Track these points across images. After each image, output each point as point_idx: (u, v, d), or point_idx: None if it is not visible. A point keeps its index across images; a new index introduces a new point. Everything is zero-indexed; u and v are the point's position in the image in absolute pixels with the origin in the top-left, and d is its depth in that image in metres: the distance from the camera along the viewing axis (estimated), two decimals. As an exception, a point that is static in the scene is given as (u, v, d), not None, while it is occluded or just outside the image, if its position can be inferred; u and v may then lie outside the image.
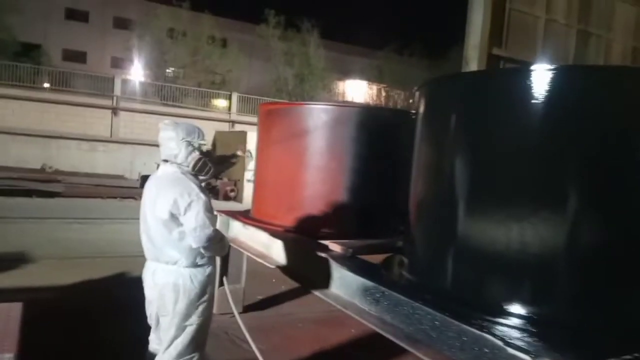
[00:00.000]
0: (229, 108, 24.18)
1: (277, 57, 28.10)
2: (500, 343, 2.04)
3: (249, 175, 17.86)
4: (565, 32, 9.79)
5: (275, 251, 4.01)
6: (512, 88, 2.48)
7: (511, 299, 2.40)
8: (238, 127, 22.64)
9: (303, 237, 3.96)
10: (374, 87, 34.28)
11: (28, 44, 25.66)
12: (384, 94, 33.94)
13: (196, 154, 2.81)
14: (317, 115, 4.07)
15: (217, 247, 2.85)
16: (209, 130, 22.04)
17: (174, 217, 2.67)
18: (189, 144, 2.79)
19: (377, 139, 4.12)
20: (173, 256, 2.73)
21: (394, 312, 2.64)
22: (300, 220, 4.15)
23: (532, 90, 2.35)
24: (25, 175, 16.55)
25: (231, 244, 4.03)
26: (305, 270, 3.56)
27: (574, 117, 2.33)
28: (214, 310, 5.09)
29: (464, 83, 2.74)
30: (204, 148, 2.89)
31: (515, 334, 2.16)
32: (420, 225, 2.92)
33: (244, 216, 4.76)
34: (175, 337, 2.77)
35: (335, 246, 3.37)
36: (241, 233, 4.65)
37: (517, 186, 2.44)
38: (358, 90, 34.09)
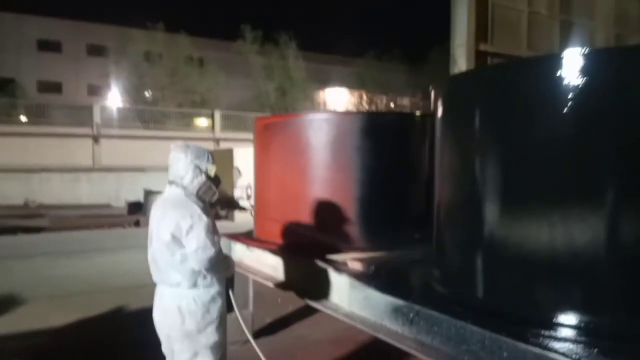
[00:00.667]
0: (212, 126, 23.85)
1: (257, 72, 27.91)
2: (568, 362, 1.80)
3: (238, 192, 17.56)
4: (548, 23, 9.74)
5: (286, 273, 3.74)
6: (544, 78, 2.25)
7: (561, 309, 2.17)
8: (223, 145, 22.32)
9: (315, 256, 3.69)
10: (356, 94, 34.27)
11: (1, 79, 25.11)
12: (366, 99, 33.94)
13: (202, 178, 2.77)
14: (319, 126, 3.83)
15: (221, 267, 2.81)
16: (194, 150, 21.72)
17: (176, 240, 2.63)
18: (197, 167, 2.76)
19: (382, 146, 3.89)
20: (176, 278, 2.69)
21: (433, 332, 2.39)
22: (310, 237, 3.89)
23: (566, 78, 2.14)
24: (8, 212, 16.06)
25: (236, 267, 3.74)
26: (321, 291, 3.28)
27: (614, 103, 2.11)
28: None
29: (490, 77, 2.52)
30: (212, 172, 2.84)
31: (576, 348, 1.93)
32: (452, 234, 2.67)
33: (247, 237, 4.49)
34: (191, 358, 2.74)
35: (354, 263, 3.11)
36: (245, 256, 4.38)
37: (561, 184, 2.21)
38: (339, 98, 34.05)
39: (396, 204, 3.98)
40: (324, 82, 32.95)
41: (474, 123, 2.49)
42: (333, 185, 3.81)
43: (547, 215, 2.20)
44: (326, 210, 3.89)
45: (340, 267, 3.11)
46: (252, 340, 3.58)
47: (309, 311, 5.57)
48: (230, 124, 24.05)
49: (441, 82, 2.80)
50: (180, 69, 25.36)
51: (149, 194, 17.15)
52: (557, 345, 1.97)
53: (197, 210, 2.66)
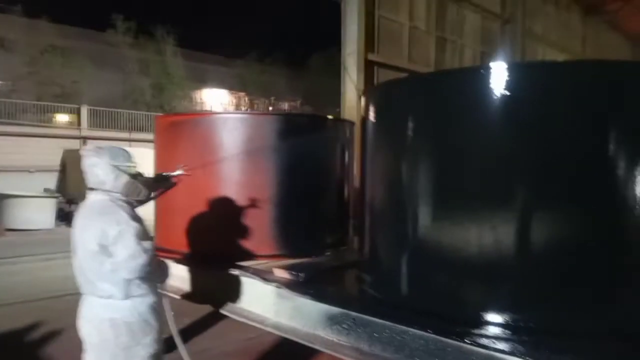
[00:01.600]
0: (78, 123, 21.71)
1: (131, 66, 26.01)
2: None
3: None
4: (425, 38, 10.52)
5: (197, 285, 3.49)
6: (471, 87, 2.39)
7: (492, 307, 2.30)
8: (91, 144, 20.46)
9: (228, 264, 3.51)
10: (236, 96, 33.75)
11: None
12: (246, 102, 33.59)
13: (125, 177, 2.62)
14: (234, 126, 3.65)
15: (156, 275, 2.68)
16: (56, 149, 19.58)
17: (103, 248, 2.46)
18: (116, 168, 2.60)
19: (297, 148, 3.84)
20: (107, 290, 2.51)
21: (373, 338, 2.38)
22: (223, 243, 3.70)
23: (492, 89, 2.28)
24: None
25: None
26: (242, 302, 3.12)
27: (534, 114, 2.30)
28: None
29: (420, 85, 2.59)
30: (133, 170, 2.69)
31: (517, 347, 2.05)
32: (384, 237, 2.69)
33: (147, 246, 4.11)
34: None
35: (281, 272, 2.99)
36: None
37: (486, 188, 2.35)
38: (218, 99, 33.28)
39: (310, 209, 3.94)
40: (204, 82, 31.85)
41: (406, 129, 2.56)
42: (248, 188, 3.66)
43: (474, 218, 2.33)
44: (240, 215, 3.73)
45: (266, 277, 2.96)
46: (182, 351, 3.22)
47: (207, 323, 5.31)
48: (100, 120, 22.11)
49: (374, 88, 2.83)
50: (41, 58, 22.65)
51: (2, 197, 15.06)
52: (486, 342, 2.07)
53: (124, 215, 2.50)
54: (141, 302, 2.55)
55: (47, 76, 22.94)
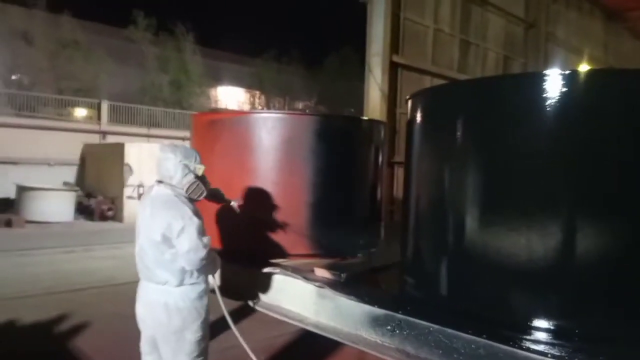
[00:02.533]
0: (99, 118, 21.92)
1: (150, 63, 26.20)
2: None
3: (129, 191, 16.39)
4: (449, 41, 10.47)
5: (234, 282, 3.51)
6: (525, 93, 2.37)
7: (541, 313, 2.29)
8: (110, 139, 20.63)
9: (263, 262, 3.53)
10: (252, 94, 33.90)
11: None
12: (262, 100, 33.72)
13: (191, 177, 2.81)
14: (273, 125, 3.66)
15: (210, 267, 2.88)
16: (76, 143, 19.79)
17: (166, 239, 2.68)
18: (186, 166, 2.81)
19: (334, 149, 3.85)
20: (163, 276, 2.73)
21: (419, 341, 2.38)
22: (257, 241, 3.72)
23: (546, 96, 2.26)
24: None
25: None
26: (281, 301, 3.13)
27: (589, 122, 2.28)
28: None
29: (472, 90, 2.58)
30: (200, 172, 2.88)
31: (573, 354, 2.03)
32: (431, 240, 2.69)
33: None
34: (174, 356, 2.78)
35: (322, 271, 3.00)
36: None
37: (538, 194, 2.33)
38: (234, 97, 33.45)
39: (344, 210, 3.95)
40: (220, 79, 32.01)
41: (456, 133, 2.55)
42: (285, 188, 3.67)
43: (524, 223, 2.31)
44: (275, 214, 3.74)
45: (307, 276, 2.97)
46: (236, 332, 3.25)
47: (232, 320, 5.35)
48: (119, 116, 22.29)
49: (420, 92, 2.82)
50: (62, 52, 22.90)
51: (22, 189, 15.28)
52: (539, 348, 2.06)
53: (188, 211, 2.70)
54: (192, 289, 2.75)
55: (67, 70, 23.17)
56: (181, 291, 2.73)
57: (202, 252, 2.65)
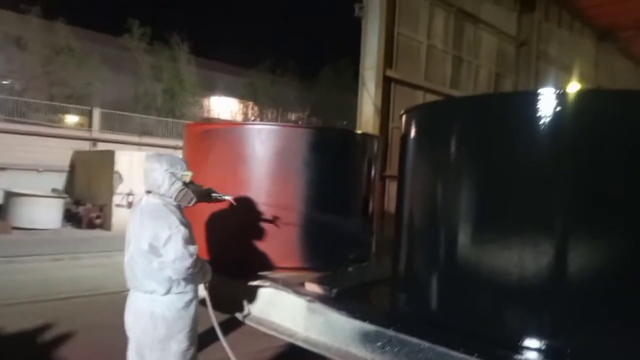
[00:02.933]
0: (90, 125, 21.79)
1: (144, 71, 26.18)
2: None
3: (118, 199, 16.25)
4: (442, 57, 10.57)
5: (223, 294, 3.46)
6: (519, 112, 2.39)
7: (533, 331, 2.28)
8: (101, 146, 20.50)
9: (252, 274, 3.49)
10: (245, 105, 33.93)
11: None
12: (255, 111, 33.76)
13: (179, 184, 2.84)
14: (267, 137, 3.65)
15: (199, 276, 2.87)
16: (66, 149, 19.63)
17: (154, 248, 2.69)
18: (173, 175, 2.83)
19: (327, 162, 3.84)
20: (151, 286, 2.74)
21: (410, 358, 2.35)
22: (246, 252, 3.69)
23: (540, 115, 2.28)
24: None
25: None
26: (270, 314, 3.09)
27: (582, 140, 2.30)
28: None
29: (466, 106, 2.59)
30: (187, 178, 2.91)
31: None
32: (423, 256, 2.68)
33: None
34: None
35: (312, 286, 2.98)
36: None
37: (532, 212, 2.33)
38: (227, 107, 33.46)
39: (336, 222, 3.93)
40: (214, 90, 32.06)
41: (450, 149, 2.55)
42: (278, 199, 3.65)
43: (517, 240, 2.32)
44: (265, 226, 3.72)
45: (297, 290, 2.94)
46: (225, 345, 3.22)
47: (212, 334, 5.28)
48: (110, 123, 22.18)
49: (415, 108, 2.83)
50: (55, 58, 22.80)
51: (9, 195, 15.10)
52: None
53: (175, 220, 2.71)
54: (179, 298, 2.75)
55: (60, 77, 23.09)
56: (168, 300, 2.73)
57: (188, 261, 2.65)
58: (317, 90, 34.09)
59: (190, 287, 2.82)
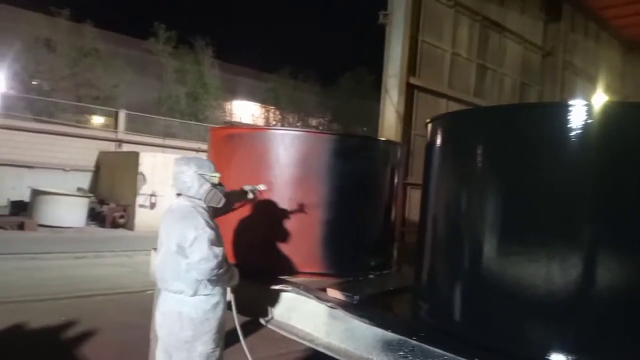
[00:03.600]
0: (115, 126, 22.22)
1: (169, 75, 26.61)
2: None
3: (141, 200, 16.51)
4: (466, 65, 10.48)
5: (244, 297, 3.49)
6: (550, 123, 2.36)
7: (553, 347, 2.24)
8: (126, 148, 20.87)
9: (273, 278, 3.51)
10: (267, 109, 34.19)
11: None
12: (276, 116, 33.98)
13: (207, 186, 2.88)
14: (291, 142, 3.68)
15: (225, 278, 2.89)
16: (92, 150, 20.04)
17: (181, 250, 2.73)
18: (201, 176, 2.88)
19: (350, 168, 3.85)
20: (179, 287, 2.78)
21: (432, 369, 2.33)
22: (268, 257, 3.71)
23: (569, 126, 2.25)
24: None
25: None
26: (292, 319, 3.10)
27: (611, 153, 2.26)
28: None
29: (496, 116, 2.57)
30: (215, 180, 2.95)
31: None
32: (446, 266, 2.66)
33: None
34: None
35: (334, 292, 2.98)
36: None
37: (558, 225, 2.30)
38: (249, 111, 33.76)
39: (357, 230, 3.93)
40: (237, 94, 32.41)
41: (477, 159, 2.53)
42: (300, 204, 3.66)
43: (543, 253, 2.28)
44: (288, 231, 3.74)
45: (319, 296, 2.95)
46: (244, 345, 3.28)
47: (237, 336, 5.31)
48: (136, 125, 22.60)
49: (441, 116, 2.82)
50: (82, 60, 23.34)
51: (36, 193, 15.45)
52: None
53: (202, 222, 2.74)
54: (206, 300, 2.78)
55: (87, 79, 23.62)
56: (195, 302, 2.77)
57: (213, 262, 2.68)
58: (338, 97, 34.19)
59: (217, 289, 2.86)
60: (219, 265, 2.73)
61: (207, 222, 2.78)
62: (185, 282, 2.76)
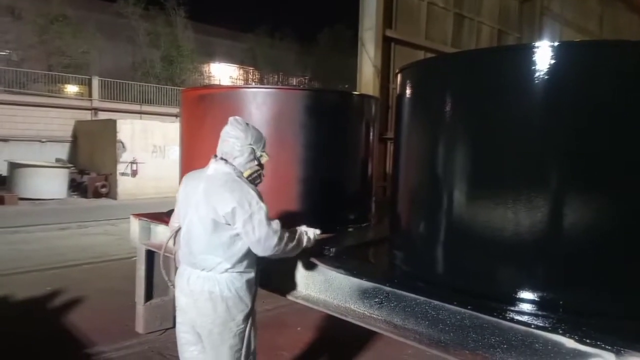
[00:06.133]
0: (89, 94, 21.66)
1: (141, 38, 25.80)
2: (559, 338, 1.91)
3: (122, 168, 16.34)
4: (443, 15, 10.32)
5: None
6: (514, 66, 2.35)
7: (522, 286, 2.31)
8: (102, 116, 20.44)
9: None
10: (245, 70, 33.56)
11: None
12: (255, 77, 33.43)
13: (255, 164, 2.65)
14: (264, 100, 3.63)
15: (290, 250, 2.66)
16: (67, 120, 19.60)
17: (227, 222, 2.47)
18: (253, 151, 2.62)
19: (325, 124, 3.83)
20: (213, 261, 2.52)
21: (406, 313, 2.41)
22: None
23: (536, 68, 2.25)
24: None
25: (159, 252, 3.39)
26: (272, 274, 3.14)
27: (579, 94, 2.27)
28: (140, 330, 4.54)
29: (462, 62, 2.55)
30: (264, 159, 2.71)
31: (556, 325, 2.05)
32: (417, 215, 2.70)
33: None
34: (216, 349, 2.57)
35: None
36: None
37: (523, 167, 2.33)
38: (227, 73, 33.13)
39: (335, 185, 3.95)
40: (213, 55, 31.66)
41: (445, 107, 2.53)
42: (276, 163, 3.64)
43: (511, 196, 2.32)
44: (265, 189, 3.73)
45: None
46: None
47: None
48: (110, 92, 22.04)
49: (409, 66, 2.79)
50: (50, 27, 22.46)
51: (15, 166, 15.18)
52: (521, 318, 2.09)
53: (255, 195, 2.50)
54: (239, 278, 2.55)
55: (57, 46, 22.82)
56: (227, 279, 2.52)
57: (274, 239, 2.48)
58: (317, 54, 33.64)
59: (251, 266, 2.62)
60: (280, 241, 2.53)
61: (259, 195, 2.53)
62: (226, 256, 2.51)
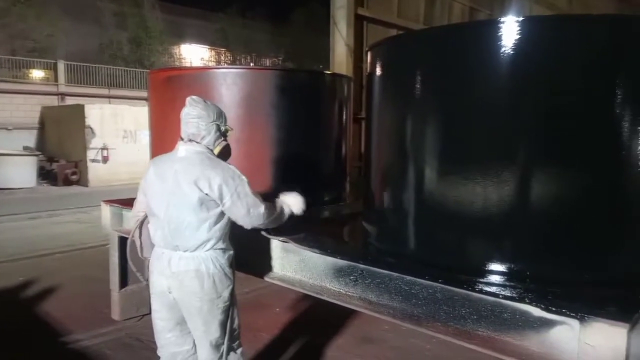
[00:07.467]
0: (56, 79, 20.99)
1: (108, 19, 25.03)
2: (526, 307, 1.98)
3: (92, 154, 15.98)
4: (415, -7, 10.27)
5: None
6: (481, 42, 2.37)
7: (496, 258, 2.37)
8: (69, 101, 19.86)
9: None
10: (217, 52, 32.95)
11: None
12: (228, 58, 32.86)
13: (222, 140, 2.66)
14: (234, 81, 3.58)
15: (277, 217, 2.79)
16: (34, 106, 19.01)
17: (212, 200, 2.49)
18: (218, 127, 2.63)
19: (297, 104, 3.81)
20: (199, 239, 2.51)
21: (380, 289, 2.45)
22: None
23: (502, 44, 2.27)
24: None
25: (132, 238, 3.36)
26: (246, 256, 3.14)
27: (541, 69, 2.30)
28: (116, 317, 4.50)
29: (429, 39, 2.56)
30: (229, 134, 2.72)
31: (523, 294, 2.11)
32: (389, 192, 2.73)
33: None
34: (206, 326, 2.58)
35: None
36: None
37: (491, 143, 2.38)
38: (200, 55, 32.50)
39: (309, 166, 3.95)
40: (184, 37, 30.95)
41: (414, 84, 2.54)
42: (248, 145, 3.62)
43: (479, 171, 2.36)
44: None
45: (271, 231, 2.98)
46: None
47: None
48: (77, 76, 21.40)
49: (378, 43, 2.78)
50: (12, 9, 21.57)
51: (-19, 155, 14.71)
52: (490, 289, 2.15)
53: (235, 169, 2.57)
54: (222, 254, 2.57)
55: (20, 29, 21.97)
56: (212, 256, 2.53)
57: (261, 208, 2.58)
58: (290, 34, 33.20)
59: (231, 243, 2.65)
60: (266, 209, 2.63)
61: (236, 168, 2.59)
62: (211, 234, 2.51)
